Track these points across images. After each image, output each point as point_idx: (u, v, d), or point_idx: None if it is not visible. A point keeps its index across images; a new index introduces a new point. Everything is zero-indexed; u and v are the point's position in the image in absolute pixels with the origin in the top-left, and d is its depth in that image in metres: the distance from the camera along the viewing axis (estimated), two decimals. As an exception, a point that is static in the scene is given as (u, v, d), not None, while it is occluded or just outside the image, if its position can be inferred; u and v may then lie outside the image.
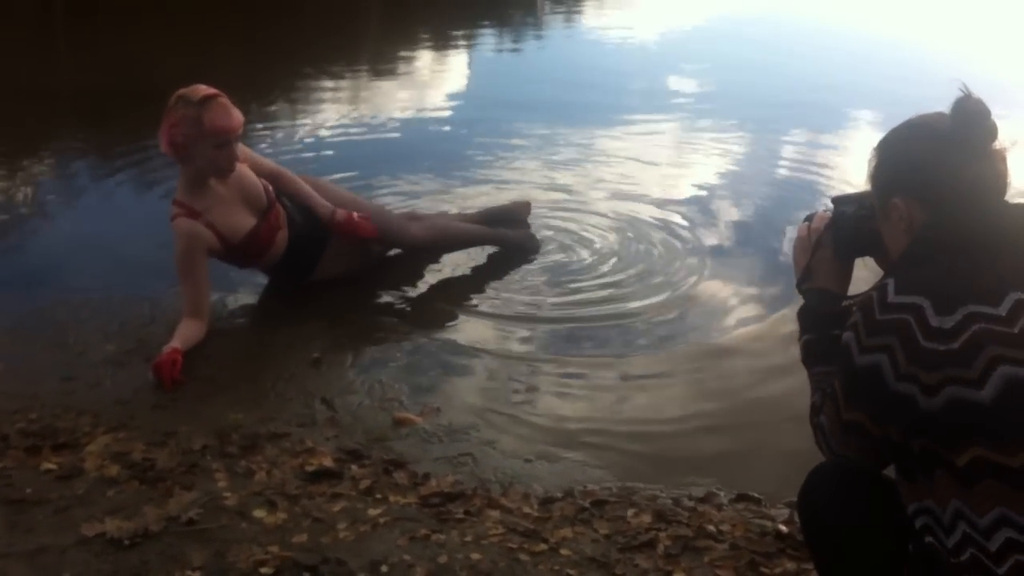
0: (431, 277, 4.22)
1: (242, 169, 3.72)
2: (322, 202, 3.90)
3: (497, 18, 12.73)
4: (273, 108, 7.34)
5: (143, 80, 7.60)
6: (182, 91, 3.52)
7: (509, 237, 4.42)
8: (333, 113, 7.08)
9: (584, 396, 3.34)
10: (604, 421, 3.17)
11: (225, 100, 3.53)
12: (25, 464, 2.82)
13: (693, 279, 4.25)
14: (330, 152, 5.96)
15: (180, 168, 3.63)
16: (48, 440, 2.93)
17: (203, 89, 3.52)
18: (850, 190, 5.01)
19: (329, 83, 8.09)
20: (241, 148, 3.73)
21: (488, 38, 11.32)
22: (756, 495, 2.77)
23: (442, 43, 10.72)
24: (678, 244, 4.63)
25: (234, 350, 3.61)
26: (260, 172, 3.83)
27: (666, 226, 4.83)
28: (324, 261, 3.97)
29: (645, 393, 3.37)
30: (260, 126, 6.54)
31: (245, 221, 3.72)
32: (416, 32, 11.37)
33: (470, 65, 9.79)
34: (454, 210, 4.87)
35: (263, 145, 6.03)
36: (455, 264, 4.34)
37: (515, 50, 10.72)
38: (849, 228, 1.98)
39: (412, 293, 4.09)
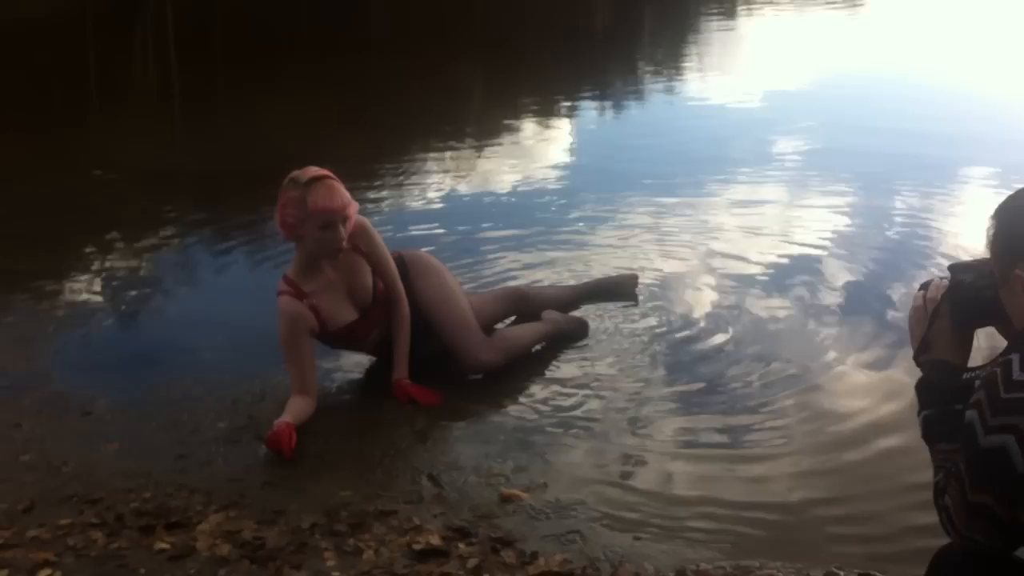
0: (533, 357, 4.16)
1: (357, 262, 3.76)
2: (400, 358, 3.85)
3: (598, 86, 12.80)
4: (382, 183, 7.44)
5: (256, 160, 7.82)
6: (294, 173, 3.60)
7: (563, 329, 4.28)
8: (440, 186, 7.16)
9: (694, 469, 3.26)
10: (715, 496, 3.08)
11: (333, 182, 3.58)
12: (139, 544, 2.86)
13: (805, 346, 4.14)
14: (437, 224, 6.02)
15: (296, 247, 3.69)
16: (161, 519, 2.98)
17: (312, 171, 3.59)
18: (964, 253, 4.96)
19: (435, 156, 8.22)
20: (371, 236, 3.78)
21: (590, 107, 11.37)
22: (878, 574, 2.65)
23: (544, 114, 10.80)
24: (787, 311, 4.53)
25: (340, 426, 3.63)
26: (378, 270, 3.83)
27: (774, 292, 4.74)
28: (428, 342, 3.97)
29: (757, 465, 3.28)
30: (371, 199, 6.66)
31: (347, 314, 3.76)
32: (518, 105, 11.49)
33: (573, 134, 9.83)
34: (559, 280, 4.86)
35: (374, 219, 6.11)
36: (553, 345, 4.27)
37: (617, 114, 10.75)
38: (968, 297, 1.90)
39: (513, 371, 4.02)
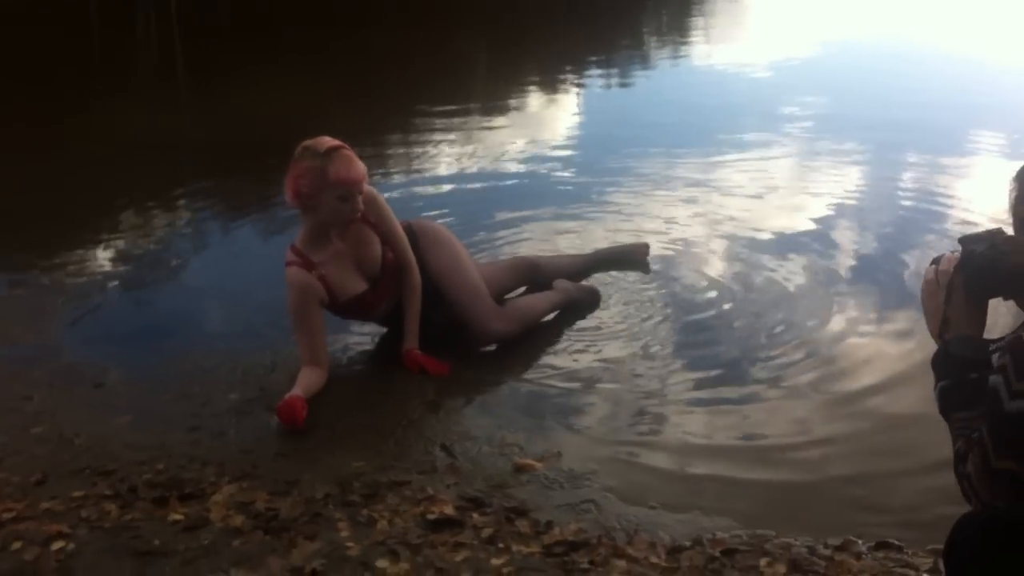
0: (544, 326, 4.14)
1: (365, 233, 3.73)
2: (411, 328, 3.82)
3: (604, 53, 12.73)
4: (389, 154, 7.44)
5: (263, 134, 7.80)
6: (307, 143, 3.55)
7: (575, 297, 4.27)
8: (447, 157, 7.13)
9: (709, 440, 3.25)
10: (730, 464, 3.07)
11: (349, 152, 3.55)
12: (153, 515, 2.85)
13: (817, 314, 4.12)
14: (446, 195, 6.00)
15: (303, 217, 3.66)
16: (175, 491, 2.96)
17: (327, 141, 3.55)
18: (976, 218, 4.93)
19: (441, 126, 8.17)
20: (380, 207, 3.75)
21: (596, 75, 11.31)
22: (897, 542, 2.63)
23: (551, 83, 10.76)
24: (799, 278, 4.51)
25: (353, 397, 3.61)
26: (388, 240, 3.80)
27: (786, 259, 4.72)
28: (439, 313, 3.94)
29: (772, 436, 3.26)
30: (378, 173, 6.64)
31: (356, 284, 3.73)
32: (524, 74, 11.43)
33: (580, 102, 9.79)
34: (570, 249, 4.84)
35: (382, 192, 6.08)
36: (565, 312, 4.26)
37: (624, 85, 10.68)
38: (981, 268, 1.85)
39: (525, 340, 4.02)
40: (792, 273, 4.57)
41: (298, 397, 3.37)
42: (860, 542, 2.64)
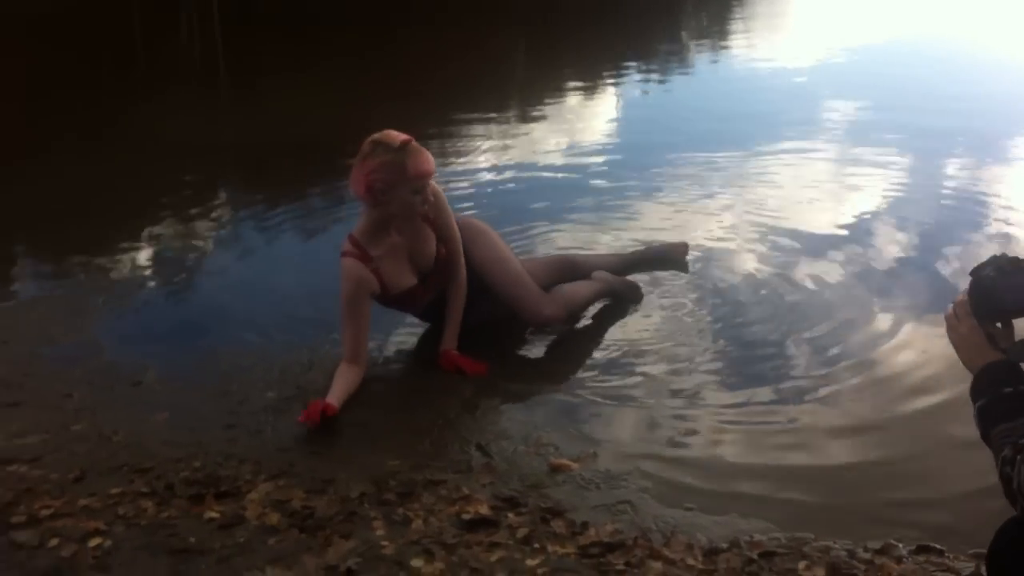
0: (583, 323, 4.14)
1: (423, 228, 3.74)
2: (451, 329, 3.83)
3: (642, 54, 12.68)
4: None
5: (302, 133, 7.86)
6: (376, 137, 3.53)
7: (616, 289, 4.28)
8: (486, 158, 7.11)
9: (746, 441, 3.21)
10: (769, 467, 3.03)
11: (419, 145, 3.55)
12: (189, 513, 2.86)
13: (858, 318, 4.05)
14: (483, 195, 5.99)
15: (365, 210, 3.64)
16: (211, 488, 2.97)
17: (397, 135, 3.52)
18: (1016, 220, 4.89)
19: (480, 129, 8.17)
20: (441, 203, 3.76)
21: (634, 75, 11.27)
22: (938, 546, 2.58)
23: (589, 81, 10.74)
24: (840, 282, 4.45)
25: (388, 395, 3.61)
26: (443, 237, 3.80)
27: (827, 262, 4.67)
28: (476, 310, 3.94)
29: (810, 434, 3.22)
30: None
31: (407, 279, 3.73)
32: (562, 74, 11.42)
33: (618, 101, 9.77)
34: (608, 251, 4.82)
35: None
36: (603, 306, 4.25)
37: (662, 84, 10.63)
38: (989, 290, 1.90)
39: (561, 336, 4.03)
40: (834, 277, 4.50)
41: (328, 404, 3.34)
42: (900, 546, 2.59)
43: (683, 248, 4.68)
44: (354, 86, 10.36)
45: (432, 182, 3.66)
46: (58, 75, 11.24)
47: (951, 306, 1.98)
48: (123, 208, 6.11)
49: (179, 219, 5.93)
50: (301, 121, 8.43)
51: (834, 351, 3.77)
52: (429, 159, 3.55)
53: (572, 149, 7.32)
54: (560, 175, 6.55)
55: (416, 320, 4.09)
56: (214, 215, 5.96)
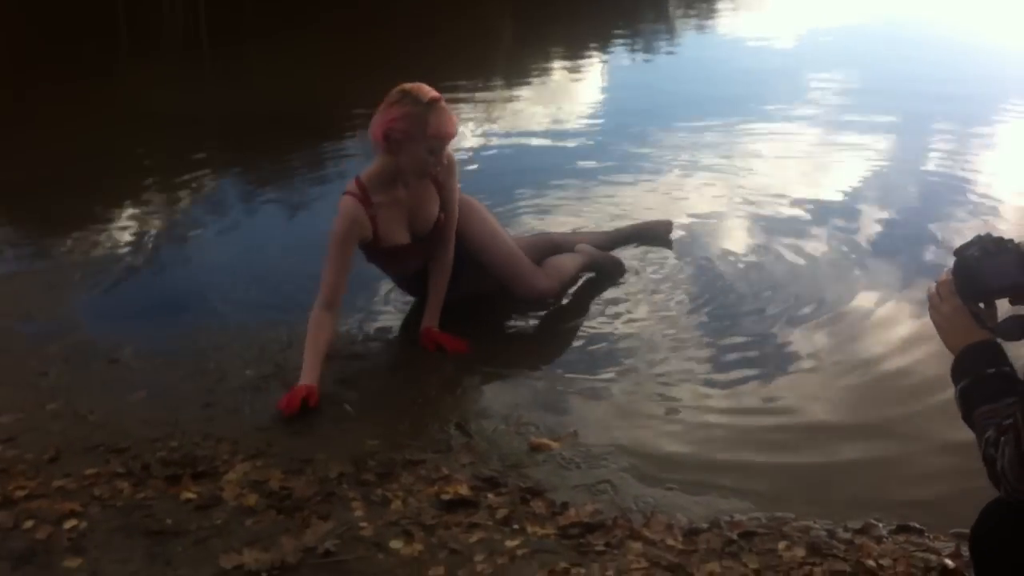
0: (564, 300, 4.11)
1: (430, 190, 3.69)
2: (433, 307, 3.79)
3: (629, 27, 12.61)
4: None
5: (284, 105, 7.78)
6: (407, 86, 3.46)
7: (600, 262, 4.28)
8: (472, 129, 7.09)
9: (727, 420, 3.19)
10: (750, 447, 3.02)
11: (447, 106, 3.49)
12: (165, 494, 2.83)
13: (841, 290, 4.05)
14: (472, 167, 5.96)
15: (378, 157, 3.58)
16: (188, 469, 2.94)
17: (428, 90, 3.46)
18: (1001, 192, 4.89)
19: (466, 97, 8.13)
20: (453, 172, 3.72)
21: (621, 48, 11.23)
22: (918, 526, 2.58)
23: (575, 55, 10.68)
24: (823, 252, 4.46)
25: (368, 374, 3.58)
26: (446, 207, 3.76)
27: (810, 233, 4.68)
28: (458, 285, 3.91)
29: (792, 416, 3.20)
30: None
31: (401, 236, 3.69)
32: (549, 45, 11.36)
33: (604, 75, 9.72)
34: (593, 223, 4.79)
35: None
36: (586, 282, 4.23)
37: (648, 59, 10.59)
38: (972, 270, 1.85)
39: (543, 313, 4.00)
40: (817, 247, 4.52)
41: (310, 391, 3.29)
42: (880, 525, 2.59)
43: (667, 225, 4.66)
44: (338, 56, 10.30)
45: (449, 148, 3.62)
46: (39, 46, 11.11)
47: (934, 285, 1.95)
48: (103, 182, 6.04)
49: (160, 193, 5.88)
50: (284, 92, 8.36)
51: (818, 330, 3.76)
52: (453, 122, 3.50)
53: (557, 123, 7.28)
54: (545, 149, 6.51)
55: (397, 297, 4.06)
56: (195, 189, 5.89)
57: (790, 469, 2.90)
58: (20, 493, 2.84)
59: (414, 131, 3.41)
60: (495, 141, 6.76)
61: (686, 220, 4.88)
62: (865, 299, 3.99)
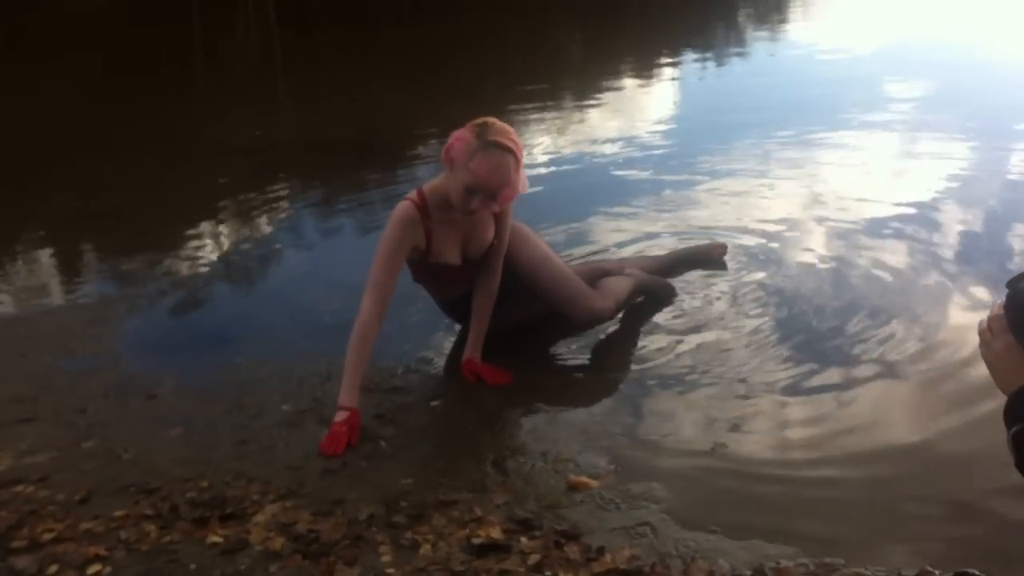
0: (611, 328, 3.97)
1: (487, 219, 3.59)
2: (475, 337, 3.69)
3: (700, 39, 12.52)
4: None
5: (353, 131, 7.80)
6: (490, 120, 3.34)
7: (650, 286, 4.18)
8: (541, 147, 7.10)
9: (777, 460, 3.01)
10: (799, 487, 2.84)
11: (508, 158, 3.28)
12: (192, 537, 2.76)
13: (919, 305, 3.90)
14: (539, 186, 5.91)
15: (444, 172, 3.47)
16: (217, 511, 2.87)
17: (504, 136, 3.30)
18: None
19: (535, 117, 8.12)
20: (509, 207, 3.59)
21: (692, 62, 11.11)
22: (977, 572, 2.39)
23: (645, 67, 10.63)
24: (903, 264, 4.34)
25: (407, 406, 3.48)
26: (499, 229, 3.66)
27: (889, 244, 4.58)
28: (501, 314, 3.80)
29: (842, 450, 3.02)
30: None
31: (453, 256, 3.61)
32: (619, 58, 11.31)
33: (675, 87, 9.69)
34: (664, 232, 4.84)
35: None
36: (636, 308, 4.08)
37: (719, 70, 10.50)
38: None
39: (590, 342, 3.88)
40: (896, 258, 4.43)
41: (347, 425, 3.23)
42: (938, 573, 2.41)
43: (722, 249, 4.51)
44: (407, 79, 10.34)
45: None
46: (116, 71, 11.31)
47: (985, 319, 1.79)
48: (157, 210, 6.07)
49: (212, 222, 5.88)
50: (354, 117, 8.38)
51: (879, 354, 3.57)
52: (496, 173, 3.28)
53: (627, 136, 7.30)
54: (616, 162, 6.54)
55: (439, 328, 3.96)
56: (249, 218, 5.87)
57: (843, 507, 2.73)
58: (48, 536, 2.79)
59: (462, 159, 3.31)
60: (566, 155, 6.82)
61: (759, 232, 4.83)
62: (946, 313, 3.84)
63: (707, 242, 4.60)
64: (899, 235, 4.69)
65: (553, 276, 3.80)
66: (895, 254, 4.47)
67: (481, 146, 3.28)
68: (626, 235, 4.95)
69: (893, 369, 3.47)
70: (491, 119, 3.36)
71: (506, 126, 3.36)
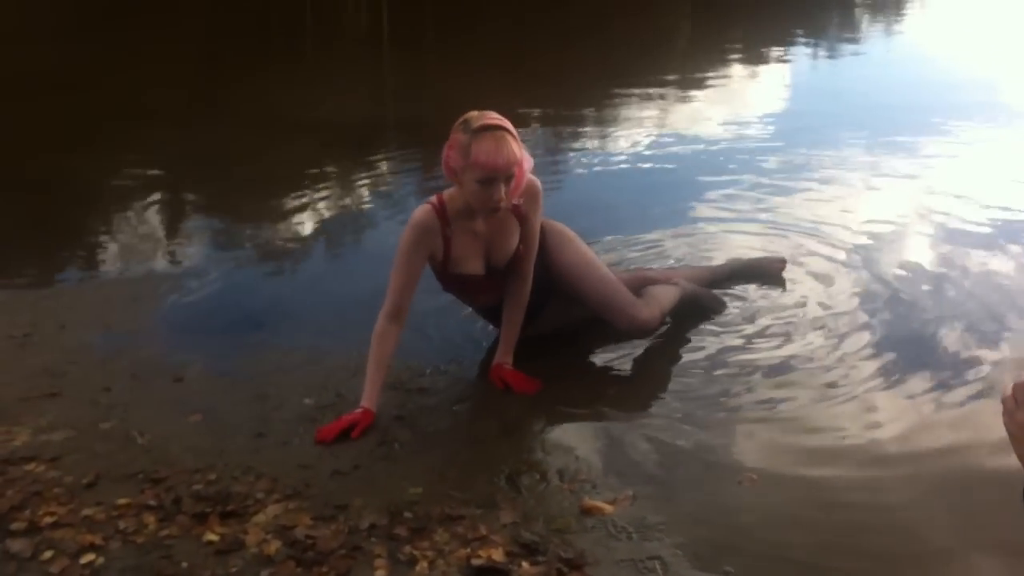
0: (653, 340, 3.80)
1: (511, 223, 3.45)
2: (507, 341, 3.57)
3: (813, 30, 12.21)
4: (586, 128, 7.55)
5: (450, 109, 7.70)
6: (471, 114, 3.23)
7: (699, 296, 3.99)
8: (644, 132, 7.10)
9: (808, 495, 2.82)
10: (827, 530, 2.65)
11: (503, 135, 3.16)
12: (189, 533, 2.69)
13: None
14: (640, 170, 5.94)
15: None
16: (219, 506, 2.80)
17: (488, 117, 3.20)
18: None
19: (638, 102, 8.03)
20: (536, 204, 3.45)
21: (802, 53, 10.88)
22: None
23: (754, 57, 10.44)
24: (1012, 270, 4.20)
25: (428, 410, 3.37)
26: (525, 240, 3.50)
27: (997, 249, 4.45)
28: (540, 319, 3.67)
29: (882, 496, 2.81)
30: (573, 147, 6.84)
31: (475, 267, 3.47)
32: (726, 47, 11.11)
33: (783, 78, 9.52)
34: (769, 227, 4.79)
35: (577, 167, 6.29)
36: (680, 321, 3.91)
37: (832, 62, 10.25)
38: None
39: (630, 356, 3.72)
40: (1004, 264, 4.31)
41: (349, 420, 3.18)
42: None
43: (780, 263, 4.30)
44: (515, 58, 10.28)
45: (535, 179, 3.39)
46: (222, 41, 11.42)
47: (1009, 386, 1.60)
48: (221, 184, 6.06)
49: (271, 202, 5.82)
50: (454, 95, 8.29)
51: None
52: (500, 151, 3.14)
53: (733, 127, 7.25)
54: (719, 151, 6.52)
55: (474, 330, 3.85)
56: (310, 201, 5.79)
57: (870, 559, 2.54)
58: (48, 520, 2.76)
59: (462, 161, 3.18)
60: (668, 142, 6.82)
61: (856, 232, 4.75)
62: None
63: (766, 254, 4.40)
64: (1012, 240, 4.56)
65: (595, 282, 3.65)
66: (1006, 260, 4.35)
67: (472, 136, 3.15)
68: (719, 225, 4.98)
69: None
70: (470, 112, 3.23)
71: (487, 111, 3.22)
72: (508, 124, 3.20)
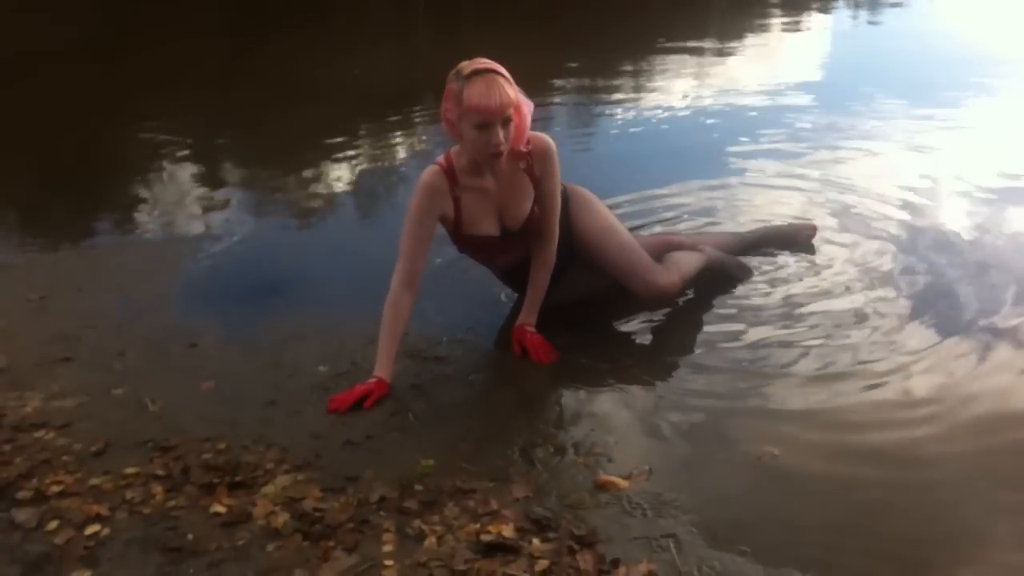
0: (678, 309, 3.71)
1: (523, 183, 3.36)
2: (531, 302, 3.49)
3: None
4: (619, 83, 7.48)
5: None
6: (463, 63, 3.14)
7: (726, 263, 3.90)
8: (680, 89, 7.07)
9: (835, 471, 2.73)
10: (850, 511, 2.55)
11: (495, 76, 3.06)
12: (196, 504, 2.65)
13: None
14: (675, 127, 5.98)
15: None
16: (227, 477, 2.75)
17: (478, 63, 3.11)
18: None
19: (675, 59, 7.96)
20: (550, 164, 3.35)
21: (843, 11, 10.67)
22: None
23: (794, 15, 10.25)
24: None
25: (444, 379, 3.30)
26: (542, 202, 3.41)
27: None
28: (562, 286, 3.59)
29: (909, 477, 2.70)
30: (610, 100, 6.80)
31: (488, 227, 3.39)
32: (768, 5, 10.94)
33: (822, 39, 9.35)
34: (794, 190, 4.76)
35: (611, 123, 6.27)
36: (705, 290, 3.81)
37: (872, 22, 10.03)
38: None
39: (652, 326, 3.63)
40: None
41: (364, 389, 3.13)
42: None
43: (810, 230, 4.18)
44: (554, 33, 10.17)
45: (547, 139, 3.31)
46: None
47: None
48: (246, 149, 6.02)
49: (295, 167, 5.75)
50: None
51: (945, 379, 3.21)
52: (491, 92, 3.03)
53: (769, 86, 7.20)
54: (756, 112, 6.48)
55: (494, 297, 3.77)
56: (333, 169, 5.73)
57: (890, 540, 2.44)
58: (55, 489, 2.73)
59: (456, 109, 3.10)
60: (705, 100, 6.81)
61: (892, 197, 4.67)
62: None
63: (796, 221, 4.28)
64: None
65: (614, 247, 3.55)
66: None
67: (463, 82, 3.06)
68: (758, 183, 4.99)
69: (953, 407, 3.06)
70: (461, 63, 3.13)
71: (477, 58, 3.13)
72: (499, 67, 3.11)
